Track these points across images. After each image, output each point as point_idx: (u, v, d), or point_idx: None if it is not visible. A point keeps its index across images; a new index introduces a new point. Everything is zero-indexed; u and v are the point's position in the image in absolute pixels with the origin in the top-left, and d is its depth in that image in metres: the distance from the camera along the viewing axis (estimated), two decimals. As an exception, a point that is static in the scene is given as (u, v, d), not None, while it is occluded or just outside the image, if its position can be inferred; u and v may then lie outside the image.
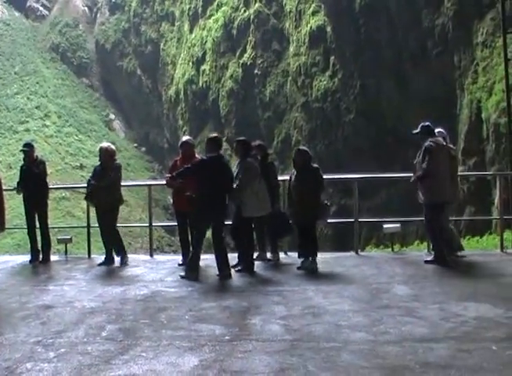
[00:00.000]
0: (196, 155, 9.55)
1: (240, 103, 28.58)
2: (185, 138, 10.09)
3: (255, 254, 9.52)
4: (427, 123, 8.86)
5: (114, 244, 9.93)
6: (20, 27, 44.72)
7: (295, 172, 8.84)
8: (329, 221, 9.82)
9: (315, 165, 8.81)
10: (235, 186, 8.50)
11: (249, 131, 26.29)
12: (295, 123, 25.70)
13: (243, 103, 28.42)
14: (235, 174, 8.76)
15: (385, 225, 10.12)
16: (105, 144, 10.46)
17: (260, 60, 27.60)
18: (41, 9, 48.33)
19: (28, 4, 48.56)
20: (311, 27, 25.02)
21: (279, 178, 9.92)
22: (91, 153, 32.29)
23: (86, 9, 45.81)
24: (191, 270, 8.37)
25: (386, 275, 8.31)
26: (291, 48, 26.41)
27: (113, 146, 10.33)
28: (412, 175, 8.78)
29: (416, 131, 8.81)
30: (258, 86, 27.65)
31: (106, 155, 9.89)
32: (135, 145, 37.89)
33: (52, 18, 46.34)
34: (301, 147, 9.53)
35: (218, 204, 8.34)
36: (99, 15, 43.79)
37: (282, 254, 9.84)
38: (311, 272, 8.48)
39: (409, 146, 12.70)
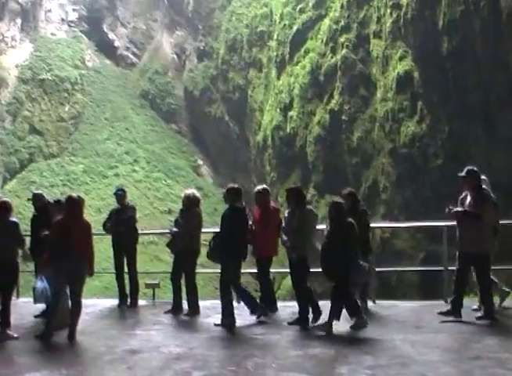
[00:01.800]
0: (272, 203, 10.59)
1: (327, 148, 31.29)
2: (258, 187, 10.89)
3: None
4: (474, 167, 9.39)
5: (191, 292, 10.61)
6: (111, 75, 50.86)
7: (328, 226, 9.24)
8: (417, 268, 10.90)
9: (350, 220, 9.07)
10: (294, 236, 9.33)
11: (336, 177, 29.41)
12: (382, 169, 27.99)
13: (331, 149, 31.12)
14: (286, 223, 9.66)
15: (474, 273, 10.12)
16: (189, 191, 11.19)
17: (347, 106, 30.30)
18: (131, 56, 54.63)
19: (119, 52, 55.01)
20: (398, 73, 27.41)
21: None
22: (179, 198, 36.15)
23: (175, 56, 51.44)
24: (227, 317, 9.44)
25: (476, 324, 8.62)
26: (378, 94, 28.98)
27: (197, 194, 11.02)
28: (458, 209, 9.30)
29: (463, 174, 9.35)
30: (345, 132, 30.30)
31: (189, 202, 10.69)
32: (223, 190, 41.82)
33: (141, 65, 52.32)
34: (336, 199, 9.79)
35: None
36: (187, 62, 49.13)
37: (370, 303, 10.30)
38: (358, 329, 8.65)
39: (499, 191, 13.23)
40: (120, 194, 11.85)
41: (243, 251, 10.01)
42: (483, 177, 9.51)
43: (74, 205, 9.44)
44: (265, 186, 11.09)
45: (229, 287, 9.84)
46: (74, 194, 9.92)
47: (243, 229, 9.91)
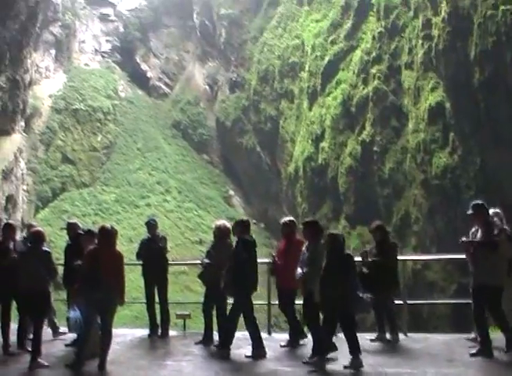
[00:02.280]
0: (298, 236, 10.75)
1: (359, 180, 31.96)
2: (285, 218, 11.20)
3: (375, 335, 10.67)
4: (480, 202, 9.62)
5: (223, 324, 10.74)
6: (143, 105, 52.68)
7: (325, 258, 9.32)
8: (448, 301, 11.04)
9: (347, 252, 9.29)
10: (307, 270, 9.53)
11: (367, 208, 30.12)
12: (414, 200, 28.40)
13: (362, 180, 31.78)
14: (303, 257, 9.76)
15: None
16: (220, 222, 11.33)
17: (379, 137, 30.98)
18: (163, 87, 56.47)
19: (151, 83, 56.88)
20: (429, 104, 27.79)
21: (398, 257, 10.87)
22: (210, 228, 37.15)
23: (207, 87, 53.06)
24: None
25: (508, 357, 8.77)
26: (410, 125, 29.48)
27: (228, 225, 11.01)
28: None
29: (471, 212, 9.50)
30: (377, 163, 30.93)
31: (220, 233, 10.82)
32: (254, 221, 42.88)
33: (173, 96, 54.08)
34: (333, 231, 10.01)
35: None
36: (219, 93, 50.69)
37: (401, 336, 10.61)
38: (354, 369, 8.74)
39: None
40: (151, 224, 12.15)
41: (255, 284, 10.20)
42: (496, 210, 9.74)
43: (107, 236, 9.73)
44: (291, 217, 11.34)
45: (250, 318, 10.09)
46: (107, 225, 10.18)
47: (254, 262, 10.20)
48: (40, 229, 10.81)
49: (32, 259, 10.07)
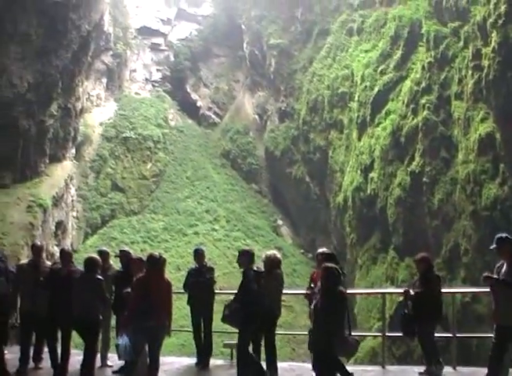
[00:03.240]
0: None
1: (408, 211, 32.42)
2: (320, 250, 11.44)
3: (423, 369, 10.97)
4: (504, 235, 9.67)
5: (271, 353, 11.12)
6: (193, 134, 54.61)
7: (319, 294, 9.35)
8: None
9: (340, 288, 9.17)
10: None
11: (416, 239, 30.97)
12: (464, 232, 28.68)
13: (411, 211, 32.24)
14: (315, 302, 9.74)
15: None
16: (270, 252, 11.63)
17: (428, 168, 31.41)
18: (213, 116, 58.46)
19: (201, 112, 58.96)
20: (479, 134, 28.11)
21: (446, 289, 11.38)
22: (258, 258, 38.64)
23: (256, 116, 54.74)
24: None
25: None
26: (460, 156, 29.72)
27: (278, 255, 11.40)
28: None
29: (494, 246, 9.63)
30: (426, 194, 31.34)
31: (271, 263, 11.20)
32: (302, 251, 44.08)
33: (223, 125, 55.91)
34: (328, 264, 9.66)
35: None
36: (268, 122, 52.27)
37: (450, 369, 10.92)
38: None
39: None
40: (199, 253, 12.78)
41: (260, 316, 10.55)
42: None
43: (155, 264, 10.15)
44: (325, 249, 11.51)
45: (241, 351, 10.41)
46: (156, 253, 10.58)
47: (260, 293, 10.55)
48: (95, 256, 11.40)
49: (86, 287, 10.59)
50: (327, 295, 9.06)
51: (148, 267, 10.15)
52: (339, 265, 10.09)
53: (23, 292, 12.15)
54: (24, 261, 13.67)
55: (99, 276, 10.82)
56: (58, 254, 12.89)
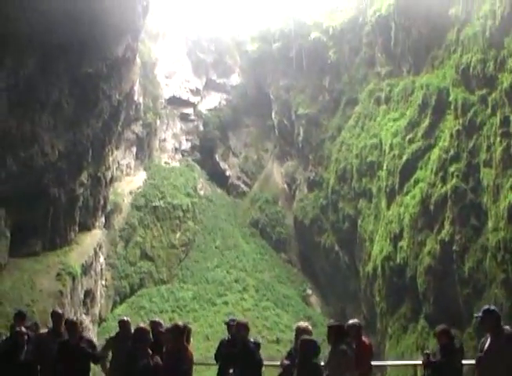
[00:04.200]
0: (365, 339, 11.44)
1: (438, 279, 32.70)
2: (350, 321, 11.80)
3: None
4: (492, 307, 9.68)
5: None
6: (222, 203, 55.97)
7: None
8: None
9: (316, 361, 9.45)
10: None
11: (447, 308, 31.16)
12: (495, 300, 28.90)
13: (442, 280, 32.49)
14: (325, 362, 10.05)
15: None
16: (302, 323, 11.67)
17: (458, 236, 31.80)
18: (242, 185, 59.90)
19: (230, 181, 60.48)
20: (509, 202, 28.49)
21: (470, 361, 11.16)
22: (287, 327, 39.30)
23: (285, 185, 56.06)
24: None
25: None
26: (490, 223, 30.01)
27: (310, 327, 11.35)
28: None
29: (479, 315, 9.62)
30: (457, 262, 31.63)
31: (302, 335, 10.98)
32: (332, 320, 44.40)
33: (252, 194, 57.23)
34: (306, 337, 10.10)
35: None
36: (297, 191, 53.45)
37: None
38: None
39: None
40: (231, 325, 12.62)
41: None
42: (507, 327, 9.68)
43: (178, 333, 10.43)
44: (356, 320, 11.97)
45: None
46: (180, 323, 10.93)
47: (259, 364, 10.86)
48: (145, 326, 11.63)
49: (138, 360, 10.62)
50: (306, 368, 9.44)
51: (172, 337, 10.42)
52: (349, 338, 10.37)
53: (43, 363, 12.28)
54: (44, 330, 14.01)
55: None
56: (85, 323, 13.15)
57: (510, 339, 9.31)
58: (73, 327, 12.19)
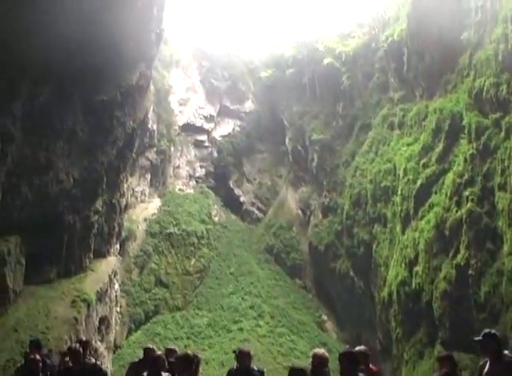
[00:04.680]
0: (372, 366, 11.52)
1: (454, 304, 32.63)
2: (357, 348, 11.68)
3: None
4: (492, 331, 9.66)
5: None
6: (236, 229, 56.31)
7: None
8: None
9: None
10: None
11: (464, 333, 30.90)
12: (511, 325, 29.94)
13: (457, 305, 32.42)
14: None
15: None
16: (319, 350, 11.34)
17: (473, 260, 31.77)
18: (256, 212, 60.25)
19: (244, 207, 60.85)
20: None
21: None
22: (303, 354, 39.41)
23: (300, 211, 56.35)
24: None
25: None
26: (505, 247, 29.96)
27: (326, 354, 11.10)
28: None
29: (479, 338, 9.57)
30: (473, 287, 31.56)
31: (319, 362, 10.93)
32: (347, 346, 44.47)
33: (266, 220, 57.58)
34: (295, 365, 10.11)
35: None
36: (312, 217, 53.71)
37: None
38: None
39: None
40: (239, 356, 12.23)
41: None
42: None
43: (187, 363, 10.14)
44: (363, 347, 11.90)
45: None
46: (190, 352, 10.63)
47: None
48: (160, 353, 11.70)
49: None
50: None
51: (179, 366, 10.28)
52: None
53: None
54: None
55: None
56: (100, 350, 13.35)
57: (510, 366, 9.17)
58: (77, 354, 12.43)
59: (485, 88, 32.63)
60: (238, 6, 74.65)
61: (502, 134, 31.79)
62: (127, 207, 46.67)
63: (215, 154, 64.52)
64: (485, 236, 32.11)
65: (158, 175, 57.26)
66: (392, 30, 46.18)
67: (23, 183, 31.89)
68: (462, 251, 33.37)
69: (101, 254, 41.98)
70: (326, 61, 54.01)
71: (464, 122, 35.07)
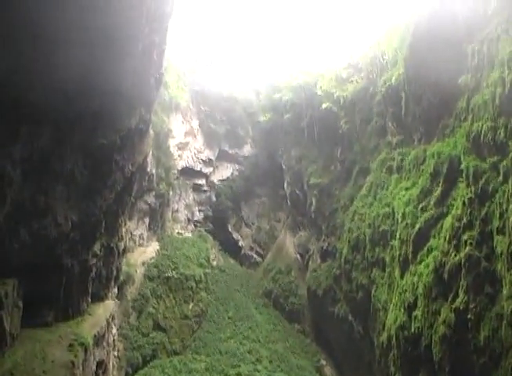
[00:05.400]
0: None
1: (454, 348, 32.48)
2: None
3: None
4: None
5: None
6: (235, 273, 56.41)
7: None
8: None
9: None
10: None
11: (464, 377, 31.39)
12: (511, 369, 29.80)
13: (457, 349, 32.27)
14: None
15: None
16: None
17: (473, 304, 31.65)
18: (254, 256, 60.44)
19: (242, 251, 61.05)
20: None
21: None
22: (301, 398, 39.37)
23: (298, 256, 56.50)
24: None
25: None
26: (504, 291, 29.87)
27: None
28: None
29: None
30: (472, 331, 31.46)
31: None
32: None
33: (265, 265, 57.75)
34: None
35: None
36: (310, 262, 53.79)
37: None
38: None
39: None
40: None
41: None
42: None
43: None
44: None
45: None
46: None
47: None
48: None
49: None
50: None
51: None
52: None
53: None
54: None
55: None
56: None
57: None
58: None
59: (483, 132, 33.00)
60: (237, 51, 75.68)
61: (500, 177, 32.01)
62: (125, 250, 46.62)
63: (214, 198, 64.94)
64: (484, 280, 32.08)
65: (157, 219, 57.39)
66: (390, 75, 46.91)
67: (22, 226, 32.00)
68: (461, 295, 33.28)
69: (99, 297, 41.97)
70: (324, 105, 54.69)
71: (462, 166, 35.29)
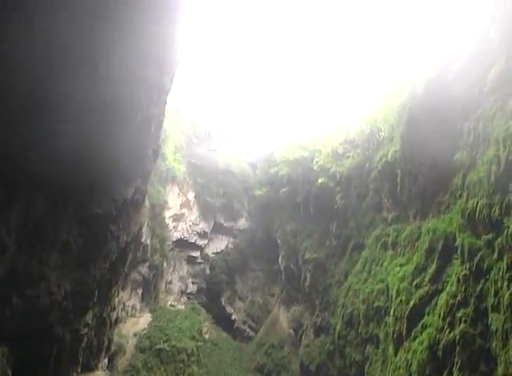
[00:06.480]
0: None
1: None
2: None
3: None
4: None
5: None
6: (227, 347, 55.75)
7: None
8: None
9: None
10: None
11: None
12: None
13: None
14: None
15: None
16: None
17: None
18: (247, 330, 59.85)
19: (236, 325, 60.48)
20: None
21: None
22: None
23: (292, 331, 56.00)
24: None
25: None
26: (499, 369, 29.40)
27: None
28: None
29: None
30: None
31: None
32: None
33: (258, 339, 57.14)
34: None
35: None
36: (304, 337, 53.25)
37: None
38: None
39: None
40: None
41: None
42: None
43: None
44: None
45: None
46: None
47: None
48: None
49: None
50: None
51: None
52: None
53: None
54: None
55: None
56: None
57: None
58: None
59: (478, 209, 33.17)
60: (234, 125, 76.87)
61: (495, 255, 31.90)
62: (117, 321, 46.12)
63: (208, 271, 64.81)
64: (479, 358, 31.75)
65: (150, 290, 57.13)
66: (386, 151, 47.59)
67: (15, 293, 31.70)
68: (455, 372, 32.82)
69: (89, 368, 41.36)
70: (320, 180, 55.19)
71: (457, 243, 35.24)
